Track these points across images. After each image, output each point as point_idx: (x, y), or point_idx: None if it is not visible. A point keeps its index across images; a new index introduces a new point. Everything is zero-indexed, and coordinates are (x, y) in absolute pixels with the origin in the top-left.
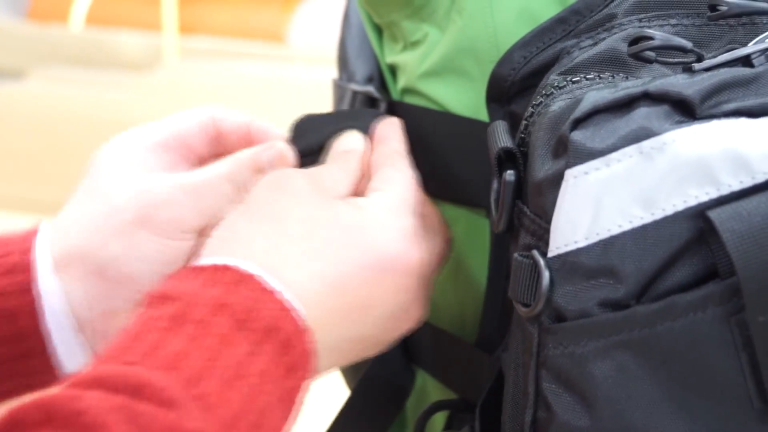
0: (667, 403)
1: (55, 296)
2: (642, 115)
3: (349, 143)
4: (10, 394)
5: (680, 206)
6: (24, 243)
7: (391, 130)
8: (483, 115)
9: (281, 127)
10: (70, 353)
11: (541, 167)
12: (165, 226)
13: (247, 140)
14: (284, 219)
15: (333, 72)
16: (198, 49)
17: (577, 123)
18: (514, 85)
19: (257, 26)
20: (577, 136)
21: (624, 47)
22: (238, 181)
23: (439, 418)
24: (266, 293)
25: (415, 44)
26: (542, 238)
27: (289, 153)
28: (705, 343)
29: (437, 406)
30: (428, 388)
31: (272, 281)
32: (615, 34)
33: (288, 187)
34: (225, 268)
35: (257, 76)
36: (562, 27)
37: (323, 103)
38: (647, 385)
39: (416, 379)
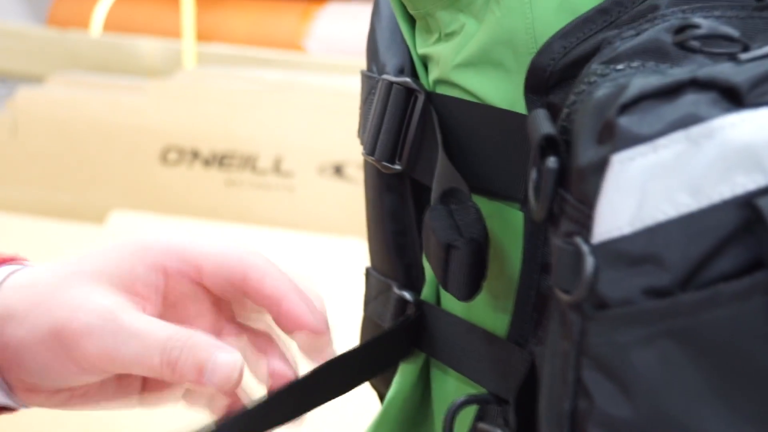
0: (710, 393)
1: None
2: (690, 101)
3: None
4: None
5: (727, 194)
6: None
7: None
8: (519, 107)
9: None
10: None
11: (585, 153)
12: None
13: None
14: None
15: (350, 79)
16: (216, 55)
17: (624, 108)
18: (552, 75)
19: (275, 34)
20: (624, 121)
21: (668, 37)
22: (172, 364)
23: (465, 415)
24: None
25: (450, 35)
26: (585, 225)
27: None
28: (750, 333)
29: (468, 401)
30: (453, 383)
31: None
32: (658, 24)
33: None
34: None
35: (274, 82)
36: (603, 18)
37: (340, 109)
38: (690, 375)
39: (438, 375)
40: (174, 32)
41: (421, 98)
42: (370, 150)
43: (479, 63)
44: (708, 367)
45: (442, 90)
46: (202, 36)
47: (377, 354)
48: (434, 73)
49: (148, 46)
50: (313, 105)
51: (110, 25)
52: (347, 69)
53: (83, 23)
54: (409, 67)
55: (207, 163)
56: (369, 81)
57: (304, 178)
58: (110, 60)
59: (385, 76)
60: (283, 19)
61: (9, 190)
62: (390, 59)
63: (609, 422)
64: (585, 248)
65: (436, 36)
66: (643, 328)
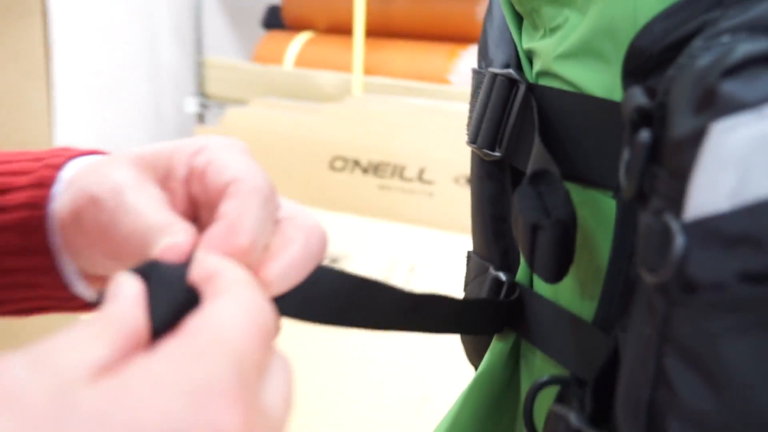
0: None
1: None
2: None
3: (113, 290)
4: (27, 312)
5: None
6: (61, 157)
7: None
8: (617, 96)
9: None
10: (73, 273)
11: (683, 124)
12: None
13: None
14: None
15: None
16: (378, 85)
17: (728, 73)
18: (651, 58)
19: (426, 69)
20: (727, 86)
21: None
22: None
23: (548, 396)
24: None
25: (554, 29)
26: (677, 202)
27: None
28: None
29: (549, 381)
30: (539, 363)
31: None
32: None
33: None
34: None
35: (424, 107)
36: (708, 0)
37: None
38: None
39: (527, 355)
40: (346, 67)
41: (522, 88)
42: (473, 138)
43: (580, 53)
44: None
45: (543, 81)
46: (368, 70)
47: (474, 314)
48: (537, 66)
49: (326, 78)
50: (453, 127)
51: (299, 62)
52: None
53: (279, 60)
54: (515, 61)
55: (365, 170)
56: (477, 76)
57: (442, 186)
58: (297, 88)
59: (491, 70)
60: (433, 58)
61: None
62: (497, 55)
63: (691, 416)
64: (675, 225)
65: (541, 32)
66: (736, 316)
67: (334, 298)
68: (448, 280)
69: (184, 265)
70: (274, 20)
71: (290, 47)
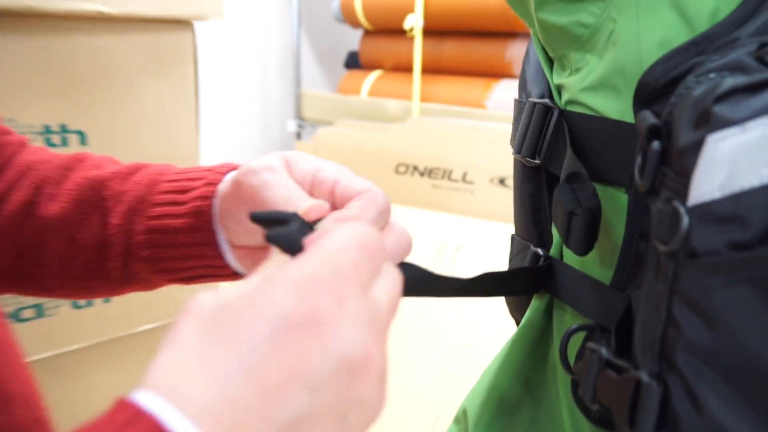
0: None
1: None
2: None
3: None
4: (190, 279)
5: None
6: (225, 167)
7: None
8: (628, 118)
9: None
10: (225, 243)
11: (685, 136)
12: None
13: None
14: (181, 338)
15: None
16: (431, 110)
17: (719, 99)
18: (655, 90)
19: (468, 97)
20: (719, 109)
21: (748, 58)
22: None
23: (576, 340)
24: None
25: (578, 69)
26: (682, 193)
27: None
28: None
29: (579, 328)
30: (568, 316)
31: (166, 412)
32: (740, 49)
33: (189, 306)
34: (123, 405)
35: (466, 126)
36: (695, 48)
37: (505, 143)
38: (763, 315)
39: (558, 310)
40: (407, 96)
41: (555, 113)
42: (518, 150)
43: (599, 87)
44: None
45: (571, 108)
46: (424, 98)
47: (519, 280)
48: (565, 96)
49: (392, 104)
50: (488, 140)
51: (372, 92)
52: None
53: (357, 91)
54: (548, 93)
55: (422, 174)
56: (519, 105)
57: (480, 186)
58: (370, 112)
59: (531, 99)
60: (472, 89)
61: None
62: (534, 89)
63: (693, 347)
64: (682, 209)
65: (568, 71)
66: (726, 274)
67: (416, 283)
68: (486, 256)
69: (314, 222)
70: (353, 62)
71: (365, 82)
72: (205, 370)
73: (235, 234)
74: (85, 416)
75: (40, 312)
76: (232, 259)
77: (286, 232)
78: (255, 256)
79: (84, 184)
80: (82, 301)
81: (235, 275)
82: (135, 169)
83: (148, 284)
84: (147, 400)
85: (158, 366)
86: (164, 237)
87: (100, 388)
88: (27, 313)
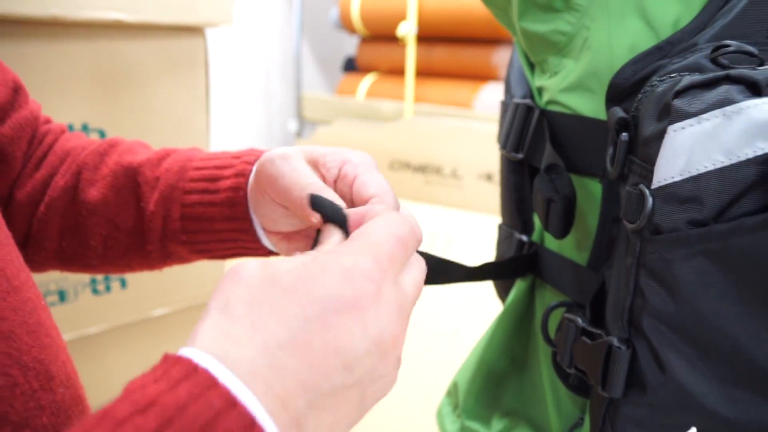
0: (735, 300)
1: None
2: (724, 90)
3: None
4: (228, 256)
5: (751, 155)
6: (252, 155)
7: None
8: (601, 116)
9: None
10: (260, 228)
11: (649, 127)
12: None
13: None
14: (231, 305)
15: (496, 125)
16: (423, 111)
17: (678, 94)
18: (625, 90)
19: (457, 98)
20: (678, 102)
21: (705, 61)
22: (304, 201)
23: (555, 316)
24: (211, 387)
25: (557, 72)
26: (647, 177)
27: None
28: (765, 254)
29: (558, 305)
30: (549, 294)
31: (218, 370)
32: (697, 53)
33: (238, 274)
34: (177, 360)
35: (454, 126)
36: (660, 52)
37: (490, 141)
38: (719, 284)
39: (540, 290)
40: (401, 97)
41: (536, 112)
42: (503, 145)
43: (576, 88)
44: (734, 280)
45: (550, 107)
46: (416, 100)
47: (511, 266)
48: (545, 97)
49: (387, 105)
50: (476, 139)
51: (368, 94)
52: (495, 120)
53: (353, 93)
54: (530, 94)
55: (414, 170)
56: (504, 105)
57: (469, 181)
58: (366, 113)
59: (514, 100)
60: (461, 91)
61: None
62: (518, 90)
63: (657, 314)
64: (647, 191)
65: (548, 74)
66: (685, 248)
67: (432, 271)
68: (474, 246)
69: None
70: (350, 66)
71: (362, 84)
72: (255, 338)
73: (267, 221)
74: (104, 396)
75: (62, 297)
76: (267, 242)
77: (330, 203)
78: (290, 238)
79: (119, 171)
80: (101, 287)
81: (270, 252)
82: (165, 155)
83: (185, 261)
84: (199, 357)
85: (207, 329)
86: (200, 224)
87: (116, 369)
88: (50, 299)
